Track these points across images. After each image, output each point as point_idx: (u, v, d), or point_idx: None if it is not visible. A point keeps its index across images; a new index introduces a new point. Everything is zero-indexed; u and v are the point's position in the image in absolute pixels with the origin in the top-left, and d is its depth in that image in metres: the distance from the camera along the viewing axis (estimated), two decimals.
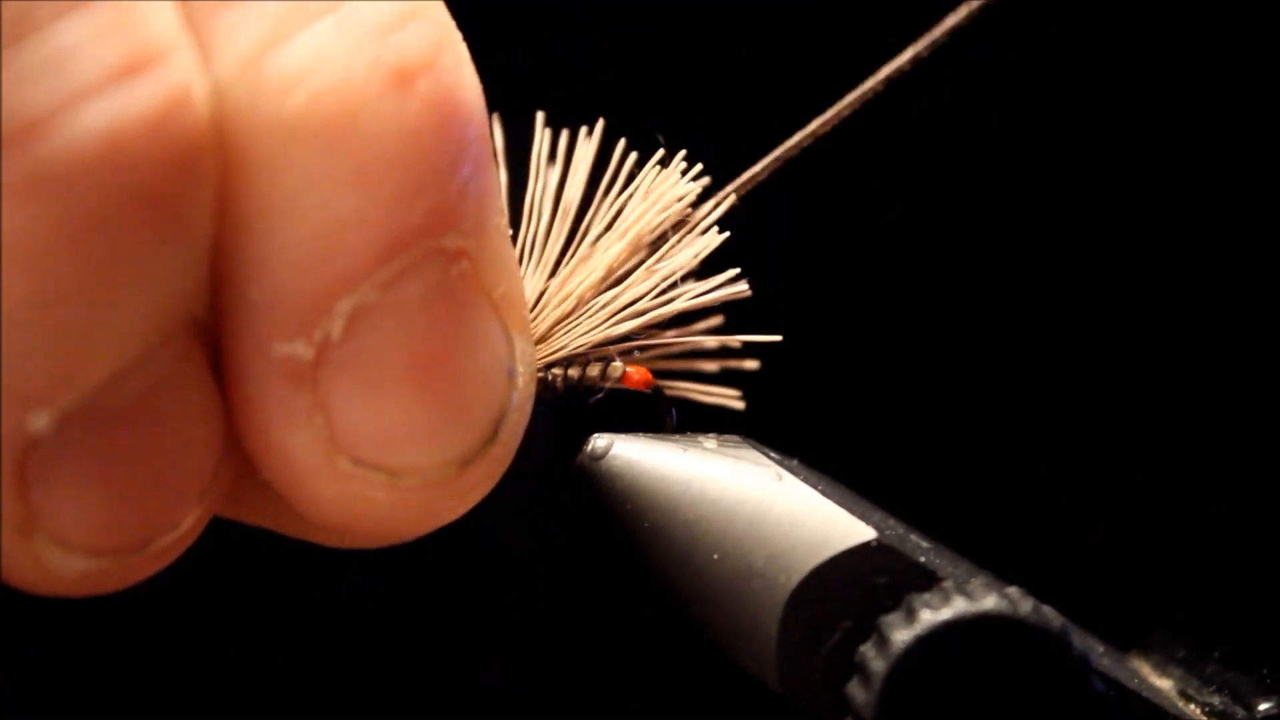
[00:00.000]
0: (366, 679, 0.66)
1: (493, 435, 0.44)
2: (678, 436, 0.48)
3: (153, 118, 0.39)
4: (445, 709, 0.66)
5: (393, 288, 0.42)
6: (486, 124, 0.44)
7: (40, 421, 0.40)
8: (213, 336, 0.43)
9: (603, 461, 0.46)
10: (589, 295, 0.49)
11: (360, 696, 0.66)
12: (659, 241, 0.49)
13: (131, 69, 0.39)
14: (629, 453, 0.46)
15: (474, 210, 0.43)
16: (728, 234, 0.49)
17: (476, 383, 0.44)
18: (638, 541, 0.46)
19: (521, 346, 0.45)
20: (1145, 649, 0.52)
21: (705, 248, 0.49)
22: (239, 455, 0.44)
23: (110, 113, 0.39)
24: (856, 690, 0.44)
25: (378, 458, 0.43)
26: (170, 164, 0.39)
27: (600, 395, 0.49)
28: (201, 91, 0.40)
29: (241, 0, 0.41)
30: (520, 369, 0.45)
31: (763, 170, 0.49)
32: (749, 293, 0.49)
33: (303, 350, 0.42)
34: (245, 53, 0.41)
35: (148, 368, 0.41)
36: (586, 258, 0.49)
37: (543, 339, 0.48)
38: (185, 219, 0.40)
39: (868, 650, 0.44)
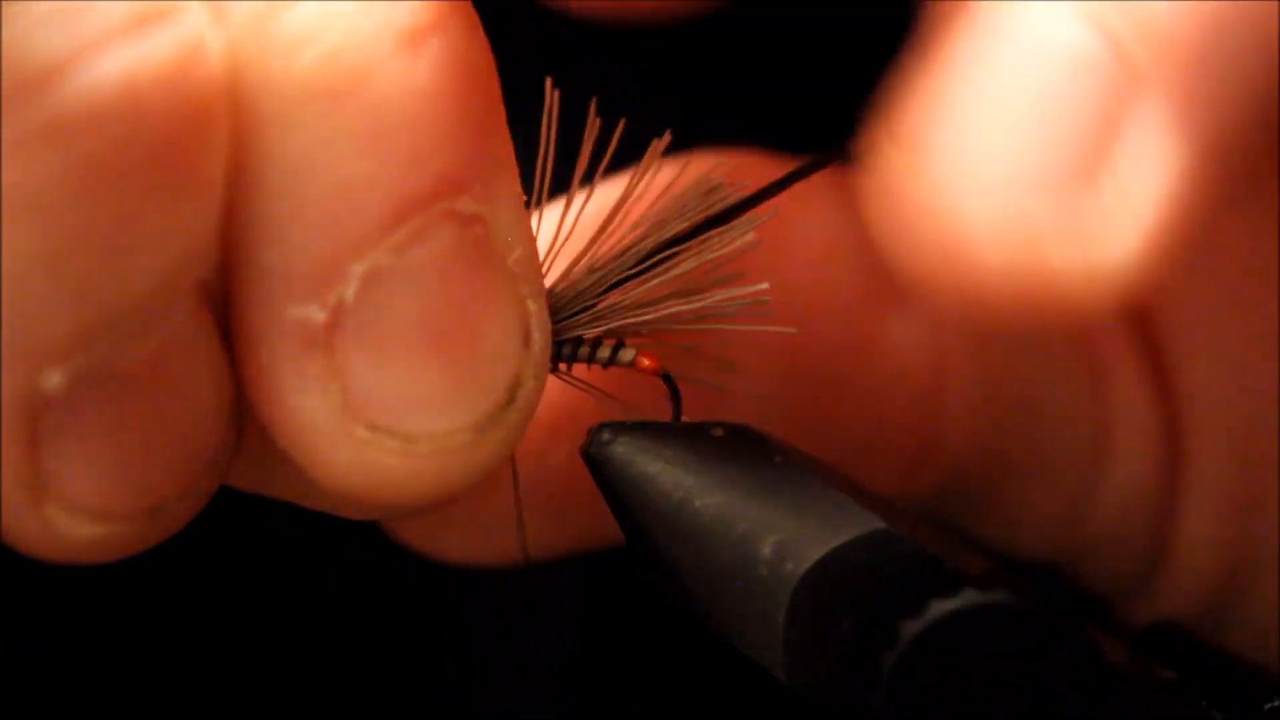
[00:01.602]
0: (367, 671, 0.66)
1: (509, 400, 0.44)
2: (685, 424, 0.47)
3: (167, 68, 0.39)
4: (445, 706, 0.66)
5: (406, 251, 0.42)
6: (498, 87, 0.44)
7: (52, 380, 0.40)
8: (222, 301, 0.43)
9: (608, 449, 0.46)
10: (610, 279, 0.48)
11: (360, 689, 0.66)
12: (690, 235, 0.48)
13: (145, 19, 0.39)
14: (635, 440, 0.46)
15: (487, 174, 0.43)
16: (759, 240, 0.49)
17: (492, 347, 0.44)
18: (643, 530, 0.46)
19: (537, 312, 0.45)
20: (1152, 641, 0.52)
21: (739, 248, 0.48)
22: (251, 422, 0.44)
23: (124, 62, 0.38)
24: (864, 680, 0.44)
25: (393, 423, 0.43)
26: (183, 116, 0.39)
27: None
28: (214, 46, 0.40)
29: None
30: (536, 334, 0.45)
31: (802, 173, 0.49)
32: (769, 297, 0.48)
33: (316, 314, 0.42)
34: (255, 11, 0.41)
35: (158, 329, 0.41)
36: (613, 241, 0.49)
37: (557, 314, 0.48)
38: (197, 174, 0.40)
39: (876, 640, 0.44)
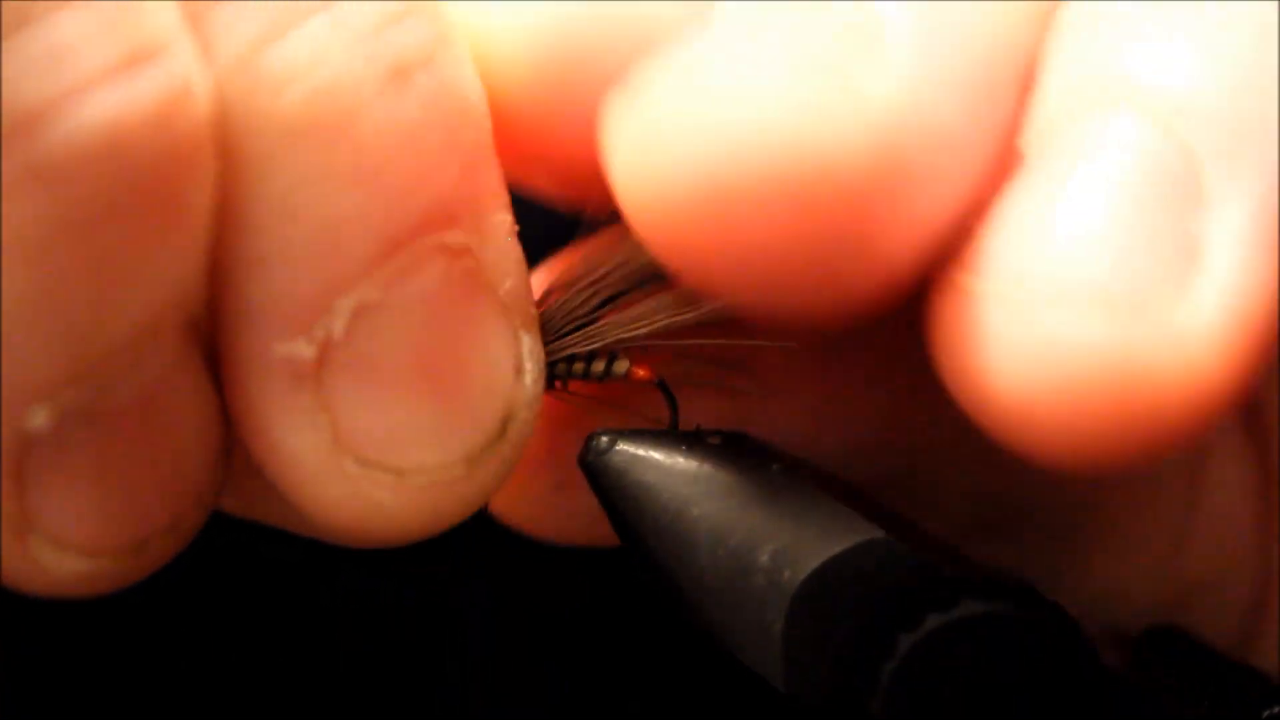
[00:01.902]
0: (367, 680, 0.66)
1: (500, 433, 0.44)
2: (681, 432, 0.47)
3: (154, 110, 0.39)
4: (445, 710, 0.66)
5: (395, 285, 0.42)
6: (487, 119, 0.44)
7: (39, 418, 0.40)
8: (210, 338, 0.43)
9: (605, 457, 0.46)
10: (600, 293, 0.48)
11: (360, 689, 0.66)
12: None
13: (133, 61, 0.39)
14: (632, 449, 0.46)
15: (476, 206, 0.43)
16: None
17: (483, 380, 0.44)
18: (641, 538, 0.46)
19: (529, 343, 0.45)
20: (1152, 645, 0.52)
21: None
22: (240, 453, 0.44)
23: (112, 104, 0.38)
24: (863, 689, 0.44)
25: (383, 458, 0.43)
26: (170, 157, 0.39)
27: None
28: (201, 86, 0.40)
29: None
30: (528, 366, 0.45)
31: None
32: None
33: (304, 349, 0.42)
34: (241, 49, 0.41)
35: (145, 367, 0.41)
36: (599, 257, 0.48)
37: (549, 335, 0.48)
38: (184, 213, 0.40)
39: (874, 649, 0.44)
